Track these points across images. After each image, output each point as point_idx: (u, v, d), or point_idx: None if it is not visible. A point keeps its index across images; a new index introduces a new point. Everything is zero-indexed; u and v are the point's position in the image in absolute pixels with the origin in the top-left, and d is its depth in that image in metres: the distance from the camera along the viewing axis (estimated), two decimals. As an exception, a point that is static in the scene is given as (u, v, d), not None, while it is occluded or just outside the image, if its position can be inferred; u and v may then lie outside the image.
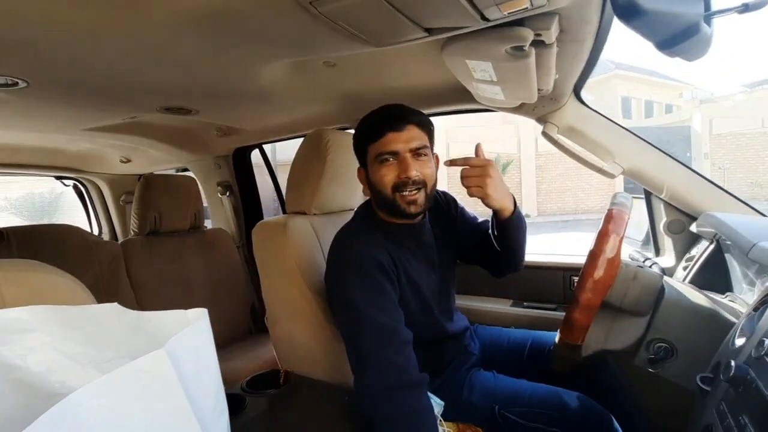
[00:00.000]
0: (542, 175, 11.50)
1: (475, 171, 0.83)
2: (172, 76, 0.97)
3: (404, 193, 0.84)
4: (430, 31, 0.67)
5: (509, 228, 0.89)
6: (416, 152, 0.85)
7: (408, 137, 0.84)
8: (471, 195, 0.84)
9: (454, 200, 1.08)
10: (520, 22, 0.67)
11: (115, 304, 0.51)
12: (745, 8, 0.40)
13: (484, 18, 0.61)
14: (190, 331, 0.45)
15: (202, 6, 0.61)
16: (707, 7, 0.42)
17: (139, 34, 0.71)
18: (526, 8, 0.57)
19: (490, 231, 0.96)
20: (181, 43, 0.76)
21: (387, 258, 0.84)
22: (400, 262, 0.87)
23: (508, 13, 0.59)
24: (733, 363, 0.46)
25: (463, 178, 0.84)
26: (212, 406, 0.45)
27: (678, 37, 0.42)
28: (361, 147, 0.91)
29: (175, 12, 0.63)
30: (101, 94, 1.08)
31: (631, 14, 0.37)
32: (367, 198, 0.97)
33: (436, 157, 0.94)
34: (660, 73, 17.64)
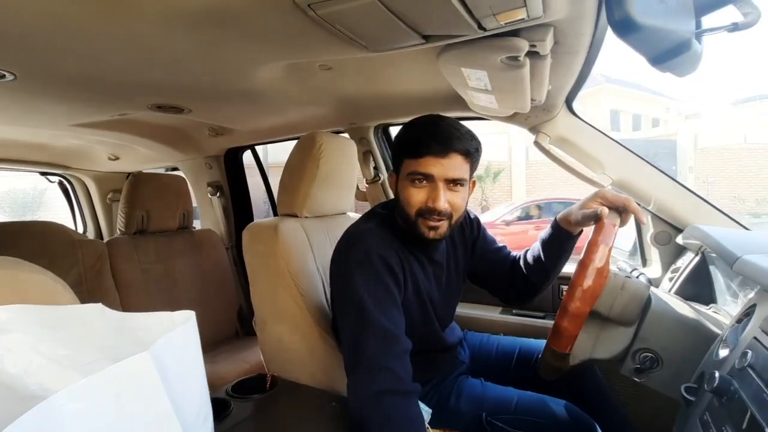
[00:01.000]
0: (532, 184, 11.63)
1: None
2: (164, 74, 0.96)
3: (427, 220, 0.80)
4: (427, 38, 0.68)
5: (573, 246, 0.90)
6: (452, 182, 0.79)
7: (448, 165, 0.77)
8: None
9: (478, 220, 1.04)
10: (516, 33, 0.68)
11: (99, 304, 0.49)
12: (734, 27, 0.41)
13: (481, 27, 0.61)
14: (177, 333, 0.44)
15: (196, 4, 0.61)
16: (698, 24, 0.44)
17: (130, 30, 0.70)
18: (523, 19, 0.58)
19: (524, 260, 0.97)
20: (173, 41, 0.75)
21: (396, 260, 0.82)
22: (408, 266, 0.85)
23: (505, 24, 0.60)
24: (717, 374, 0.47)
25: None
26: (196, 411, 0.44)
27: (670, 53, 0.43)
28: (397, 155, 0.85)
29: (167, 8, 0.63)
30: (90, 90, 1.06)
31: (626, 29, 0.38)
32: (384, 201, 0.95)
33: (473, 183, 0.89)
34: (648, 87, 18.07)
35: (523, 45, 0.68)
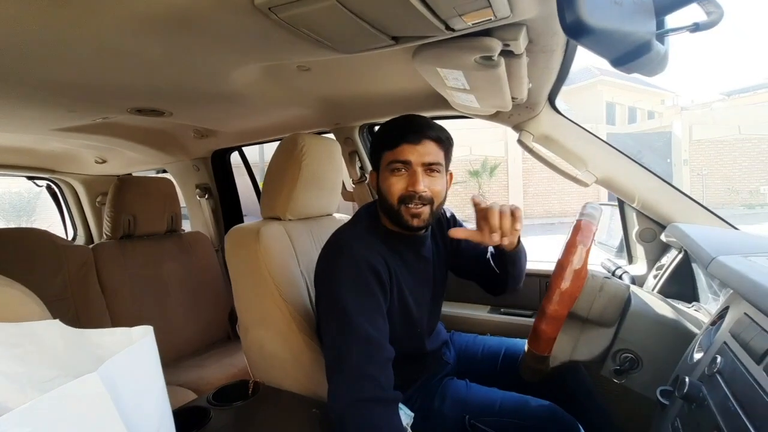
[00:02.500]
0: (529, 178, 11.62)
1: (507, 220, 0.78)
2: (139, 78, 0.94)
3: (409, 206, 0.83)
4: (397, 39, 0.66)
5: (513, 260, 0.91)
6: (428, 167, 0.83)
7: (423, 151, 0.82)
8: (505, 244, 0.80)
9: (453, 216, 1.07)
10: (488, 33, 0.67)
11: (57, 321, 0.48)
12: (696, 27, 0.40)
13: (449, 28, 0.60)
14: (132, 351, 0.43)
15: (160, 9, 0.59)
16: (659, 25, 0.42)
17: (98, 35, 0.68)
18: (490, 19, 0.57)
19: (489, 257, 0.99)
20: (143, 46, 0.74)
21: (384, 267, 0.83)
22: (395, 274, 0.86)
23: (473, 24, 0.59)
24: (687, 380, 0.46)
25: (493, 227, 0.78)
26: (155, 429, 0.43)
27: (631, 55, 0.42)
28: (376, 152, 0.89)
29: (132, 14, 0.61)
30: (66, 95, 1.04)
31: (580, 33, 0.37)
32: (370, 201, 0.96)
33: (450, 175, 0.93)
34: (643, 79, 18.04)
35: (496, 45, 0.67)
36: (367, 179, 1.59)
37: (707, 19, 0.39)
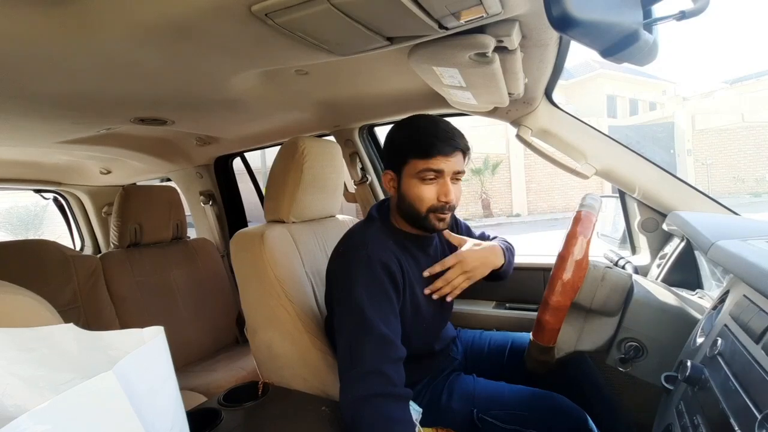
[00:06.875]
0: (531, 174, 11.58)
1: (455, 271, 0.90)
2: (140, 88, 0.96)
3: (438, 213, 0.86)
4: (391, 40, 0.68)
5: (502, 275, 0.98)
6: (455, 176, 0.86)
7: (455, 161, 0.84)
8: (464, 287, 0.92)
9: (455, 217, 1.10)
10: (481, 30, 0.68)
11: (71, 324, 0.50)
12: (682, 15, 0.41)
13: (442, 27, 0.61)
14: (144, 350, 0.44)
15: (158, 18, 0.61)
16: (646, 15, 0.43)
17: (97, 46, 0.70)
18: (482, 16, 0.58)
19: None
20: (143, 55, 0.76)
21: (397, 267, 0.84)
22: (407, 273, 0.87)
23: (466, 21, 0.60)
24: (689, 363, 0.47)
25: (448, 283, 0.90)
26: (169, 427, 0.45)
27: (619, 45, 0.43)
28: (400, 154, 0.87)
29: (130, 24, 0.63)
30: (69, 107, 1.06)
31: (566, 25, 0.38)
32: (382, 199, 0.98)
33: None
34: (643, 71, 17.94)
35: (489, 41, 0.68)
36: (369, 179, 1.60)
37: (693, 7, 0.40)
